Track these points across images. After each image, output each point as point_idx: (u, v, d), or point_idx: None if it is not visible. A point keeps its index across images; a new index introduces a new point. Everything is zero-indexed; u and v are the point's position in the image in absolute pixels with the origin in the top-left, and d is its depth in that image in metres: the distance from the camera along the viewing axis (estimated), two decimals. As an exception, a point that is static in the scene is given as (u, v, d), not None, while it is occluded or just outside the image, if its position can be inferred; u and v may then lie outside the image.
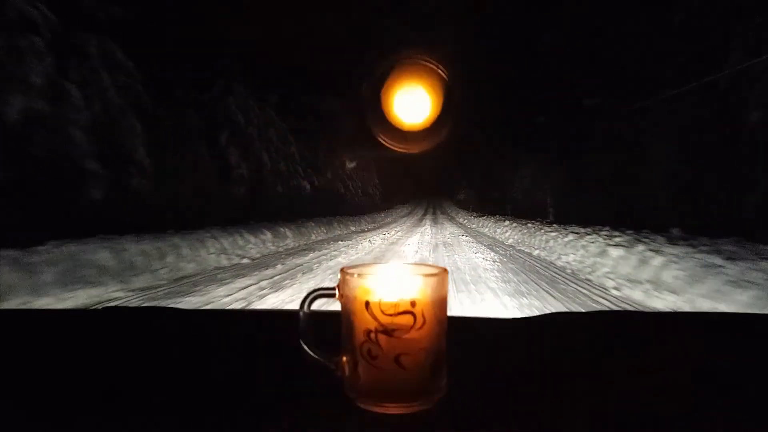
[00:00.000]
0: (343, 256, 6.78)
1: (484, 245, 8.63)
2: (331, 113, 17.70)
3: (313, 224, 10.72)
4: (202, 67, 9.79)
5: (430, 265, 0.44)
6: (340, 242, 8.93)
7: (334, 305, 0.44)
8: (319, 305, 0.45)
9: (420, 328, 0.39)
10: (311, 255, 6.69)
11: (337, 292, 0.44)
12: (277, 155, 11.27)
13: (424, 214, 29.91)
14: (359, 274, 0.42)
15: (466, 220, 20.66)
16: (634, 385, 0.49)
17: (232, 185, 9.90)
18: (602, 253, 5.35)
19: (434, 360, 0.41)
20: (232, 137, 10.07)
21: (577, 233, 6.86)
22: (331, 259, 6.29)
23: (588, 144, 11.25)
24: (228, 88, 10.28)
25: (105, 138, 6.04)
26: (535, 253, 6.87)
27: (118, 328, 0.73)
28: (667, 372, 0.53)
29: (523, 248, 7.76)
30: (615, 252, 5.09)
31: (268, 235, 7.80)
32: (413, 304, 0.39)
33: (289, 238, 8.70)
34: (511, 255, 6.80)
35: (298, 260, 6.10)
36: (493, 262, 6.00)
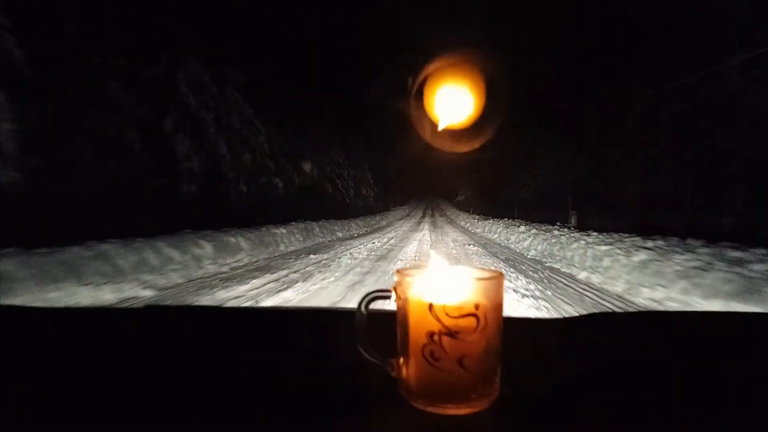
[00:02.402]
0: (293, 292, 4.69)
1: (501, 260, 6.57)
2: (317, 98, 15.66)
3: (283, 231, 8.62)
4: (141, 33, 7.72)
5: (485, 269, 0.44)
6: (312, 256, 6.84)
7: (388, 305, 0.44)
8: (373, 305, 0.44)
9: (483, 329, 0.40)
10: (255, 282, 4.60)
11: (393, 293, 0.44)
12: (242, 146, 9.19)
13: (423, 217, 27.83)
14: (419, 277, 0.42)
15: (468, 224, 18.58)
16: (695, 387, 0.48)
17: (178, 182, 7.80)
18: (716, 287, 3.28)
19: (493, 361, 0.42)
20: (181, 123, 7.99)
21: (643, 246, 4.77)
22: (284, 289, 4.21)
23: (621, 130, 9.22)
24: (177, 62, 8.20)
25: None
26: (581, 275, 4.80)
27: (166, 326, 0.72)
28: (713, 373, 0.52)
29: (555, 265, 5.69)
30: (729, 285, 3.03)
31: (207, 249, 5.70)
32: (476, 306, 0.40)
33: (244, 252, 6.60)
34: (548, 279, 4.73)
35: (228, 293, 4.01)
36: (526, 294, 3.93)
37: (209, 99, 8.48)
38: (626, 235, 5.78)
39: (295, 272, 5.22)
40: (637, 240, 5.00)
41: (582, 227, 8.85)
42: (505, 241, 9.72)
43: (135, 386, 0.47)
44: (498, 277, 0.42)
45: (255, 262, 6.20)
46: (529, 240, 8.36)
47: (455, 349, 0.40)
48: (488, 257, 6.91)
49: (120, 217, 5.52)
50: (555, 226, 9.21)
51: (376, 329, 0.44)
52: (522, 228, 9.87)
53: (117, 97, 6.62)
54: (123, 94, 6.72)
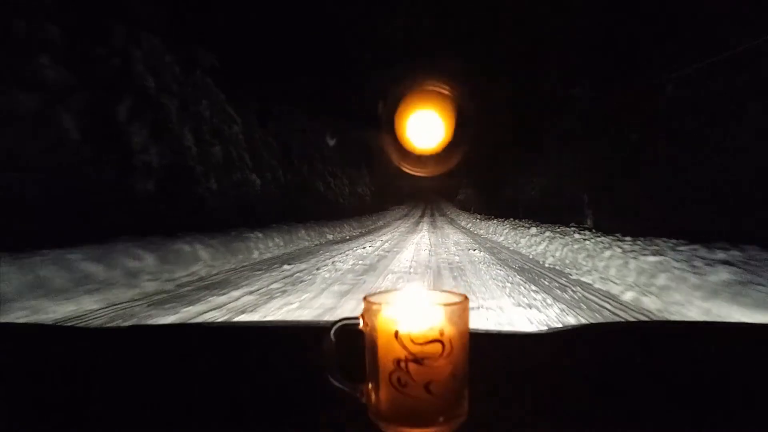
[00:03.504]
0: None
1: (514, 269, 5.41)
2: (308, 89, 14.49)
3: (259, 235, 7.45)
4: (88, 3, 6.55)
5: (450, 292, 0.45)
6: (286, 267, 5.67)
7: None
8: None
9: (448, 355, 0.41)
10: (192, 310, 3.43)
11: (361, 321, 0.44)
12: (213, 137, 8.00)
13: (421, 216, 26.65)
14: (385, 305, 0.42)
15: (470, 224, 17.40)
16: (663, 399, 0.48)
17: (132, 178, 6.63)
18: None
19: (460, 385, 0.42)
20: (137, 109, 6.81)
21: (715, 259, 3.58)
22: (228, 320, 3.05)
23: (649, 117, 8.04)
24: (133, 39, 7.02)
25: None
26: (627, 296, 3.62)
27: (141, 346, 0.72)
28: (697, 384, 0.53)
29: (584, 278, 4.52)
30: None
31: (147, 261, 4.53)
32: (441, 332, 0.40)
33: (202, 262, 5.43)
34: (582, 299, 3.56)
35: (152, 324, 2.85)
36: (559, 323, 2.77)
37: (172, 82, 7.30)
38: (674, 241, 4.61)
39: (254, 292, 4.05)
40: (699, 249, 3.84)
41: (601, 230, 7.69)
42: (515, 245, 8.54)
43: (111, 405, 0.47)
44: (463, 302, 0.43)
45: (213, 275, 5.03)
46: (544, 244, 7.18)
47: (421, 375, 0.40)
48: (498, 266, 5.73)
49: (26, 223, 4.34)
50: (572, 228, 8.04)
51: (347, 352, 0.44)
52: (533, 230, 8.70)
53: (47, 75, 5.44)
54: (55, 72, 5.53)
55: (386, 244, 9.48)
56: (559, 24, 10.16)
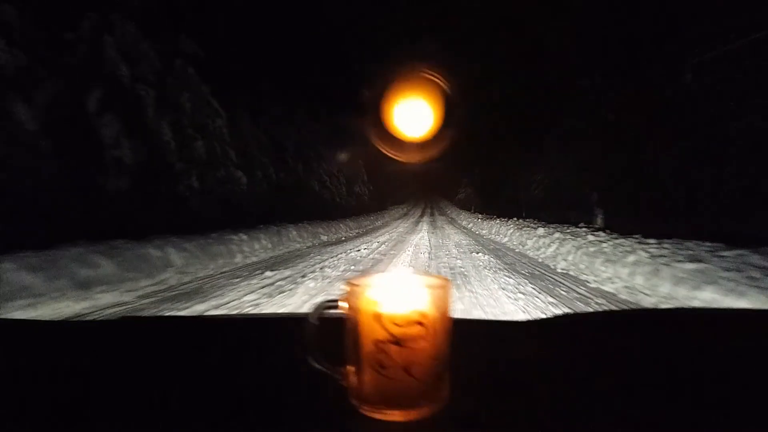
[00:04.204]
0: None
1: (524, 275, 4.82)
2: (302, 83, 13.91)
3: (244, 237, 6.86)
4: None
5: (433, 275, 0.45)
6: (268, 273, 5.07)
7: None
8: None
9: (429, 337, 0.41)
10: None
11: (344, 303, 0.44)
12: (195, 132, 7.41)
13: (421, 216, 26.05)
14: (368, 287, 0.42)
15: (471, 224, 16.81)
16: (638, 385, 0.48)
17: (103, 175, 6.03)
18: None
19: (440, 368, 0.42)
20: (109, 99, 6.22)
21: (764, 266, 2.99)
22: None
23: (666, 107, 7.45)
24: (105, 24, 6.43)
25: None
26: (648, 304, 3.02)
27: (129, 338, 0.73)
28: (674, 371, 0.53)
29: (606, 287, 3.92)
30: None
31: (105, 269, 3.94)
32: (423, 315, 0.40)
33: (173, 269, 4.84)
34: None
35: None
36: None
37: (149, 72, 6.70)
38: (709, 245, 4.02)
39: (221, 306, 3.45)
40: (748, 255, 3.25)
41: (616, 230, 7.10)
42: (521, 247, 7.95)
43: (102, 399, 0.47)
44: (445, 286, 0.43)
45: (184, 284, 4.44)
46: (554, 246, 6.59)
47: (402, 357, 0.40)
48: (505, 272, 5.14)
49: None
50: (582, 228, 7.45)
51: (329, 337, 0.44)
52: (541, 230, 8.10)
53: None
54: (11, 57, 4.94)
55: (383, 246, 8.89)
56: (565, 12, 9.58)
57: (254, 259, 6.53)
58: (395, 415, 0.41)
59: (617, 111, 8.65)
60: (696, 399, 0.45)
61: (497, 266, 5.69)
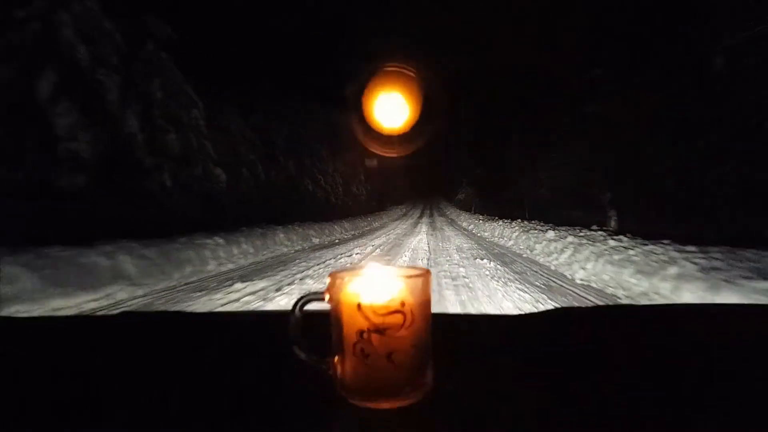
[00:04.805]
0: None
1: (539, 288, 4.07)
2: (295, 77, 13.18)
3: (220, 241, 6.10)
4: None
5: (412, 267, 0.46)
6: (238, 285, 4.31)
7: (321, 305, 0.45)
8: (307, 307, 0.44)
9: (409, 326, 0.42)
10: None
11: (327, 295, 0.45)
12: (168, 124, 6.65)
13: (420, 217, 25.30)
14: (349, 278, 0.44)
15: (473, 225, 16.06)
16: (622, 380, 0.49)
17: (55, 170, 5.28)
18: None
19: (422, 356, 0.43)
20: (64, 84, 5.47)
21: None
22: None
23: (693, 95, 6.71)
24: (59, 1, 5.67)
25: None
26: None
27: (128, 333, 0.74)
28: (663, 366, 0.53)
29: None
30: None
31: (25, 283, 3.18)
32: (403, 304, 0.42)
33: (123, 281, 4.07)
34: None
35: None
36: None
37: (113, 55, 5.95)
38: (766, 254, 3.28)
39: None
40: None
41: (639, 234, 6.37)
42: (528, 252, 7.20)
43: (102, 395, 0.47)
44: (425, 275, 0.44)
45: (134, 300, 3.69)
46: (569, 252, 5.84)
47: (383, 345, 0.41)
48: (517, 284, 4.38)
49: None
50: (598, 231, 6.71)
51: (313, 330, 0.45)
52: (551, 234, 7.35)
53: None
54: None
55: (378, 249, 8.14)
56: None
57: (230, 266, 5.77)
58: (381, 403, 0.42)
59: (632, 103, 7.91)
60: (695, 396, 0.44)
61: (506, 276, 4.94)
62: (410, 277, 0.43)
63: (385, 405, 0.42)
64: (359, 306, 0.41)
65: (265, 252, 7.28)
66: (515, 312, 3.01)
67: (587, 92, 8.58)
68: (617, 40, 8.23)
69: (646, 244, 4.67)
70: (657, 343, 0.61)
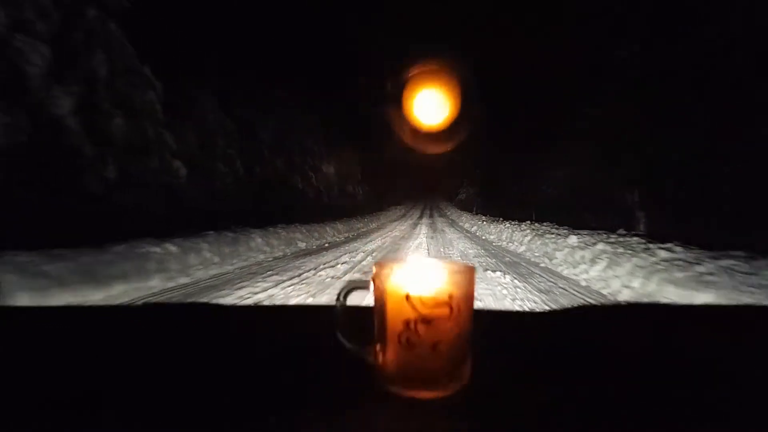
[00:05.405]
0: None
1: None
2: (285, 61, 12.06)
3: (172, 249, 4.96)
4: None
5: (456, 262, 0.48)
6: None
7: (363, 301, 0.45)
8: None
9: (455, 318, 0.43)
10: None
11: (372, 285, 0.46)
12: (115, 107, 5.50)
13: (420, 218, 24.14)
14: (396, 269, 0.45)
15: (476, 227, 14.92)
16: (650, 378, 0.49)
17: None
18: None
19: (464, 347, 0.45)
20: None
21: None
22: None
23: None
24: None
25: None
26: None
27: (156, 324, 0.73)
28: (689, 365, 0.53)
29: None
30: None
31: None
32: (450, 296, 0.43)
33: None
34: None
35: None
36: None
37: (38, 20, 4.80)
38: None
39: None
40: None
41: (668, 238, 5.23)
42: (547, 261, 6.06)
43: (126, 384, 0.47)
44: (469, 271, 0.45)
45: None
46: (602, 264, 4.71)
47: (430, 335, 0.42)
48: (544, 306, 3.26)
49: None
50: (633, 238, 5.57)
51: (352, 322, 0.47)
52: (573, 239, 6.22)
53: None
54: None
55: (370, 257, 7.01)
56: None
57: (182, 280, 4.63)
58: (421, 393, 0.43)
59: (665, 86, 6.78)
60: (718, 398, 0.45)
61: (529, 296, 3.80)
62: (457, 272, 0.45)
63: (425, 395, 0.43)
64: (408, 296, 0.42)
65: (235, 261, 6.14)
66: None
67: (607, 77, 7.44)
68: (643, 14, 7.10)
69: (718, 258, 3.53)
70: (681, 344, 0.61)
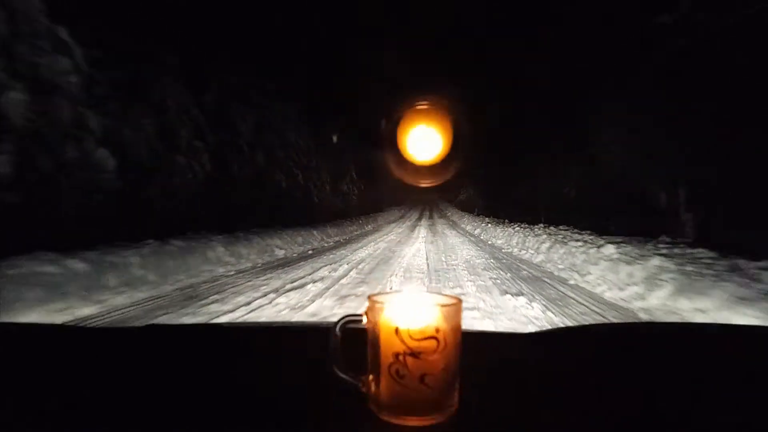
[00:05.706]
0: None
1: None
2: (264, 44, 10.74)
3: (76, 268, 3.63)
4: None
5: (445, 295, 0.49)
6: None
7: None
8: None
9: (442, 350, 0.44)
10: None
11: (365, 318, 0.48)
12: (13, 78, 4.16)
13: (419, 219, 22.83)
14: (387, 303, 0.46)
15: (480, 230, 13.60)
16: (641, 399, 0.49)
17: None
18: None
19: (452, 378, 0.46)
20: None
21: None
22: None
23: None
24: None
25: None
26: None
27: (156, 347, 0.73)
28: (681, 385, 0.53)
29: None
30: None
31: None
32: (437, 330, 0.44)
33: None
34: None
35: None
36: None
37: None
38: None
39: None
40: None
41: (724, 248, 3.91)
42: (578, 277, 4.70)
43: (118, 407, 0.47)
44: (456, 304, 0.46)
45: None
46: (667, 290, 3.37)
47: (418, 367, 0.43)
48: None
49: None
50: (700, 249, 4.24)
51: (349, 345, 0.47)
52: (610, 249, 4.88)
53: None
54: None
55: (354, 271, 5.68)
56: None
57: (88, 310, 3.30)
58: (411, 421, 0.44)
59: (719, 60, 5.47)
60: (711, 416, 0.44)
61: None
62: (444, 305, 0.45)
63: (414, 422, 0.44)
64: (397, 330, 0.44)
65: (181, 277, 4.81)
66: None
67: (649, 45, 6.11)
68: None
69: None
70: (677, 362, 0.60)
